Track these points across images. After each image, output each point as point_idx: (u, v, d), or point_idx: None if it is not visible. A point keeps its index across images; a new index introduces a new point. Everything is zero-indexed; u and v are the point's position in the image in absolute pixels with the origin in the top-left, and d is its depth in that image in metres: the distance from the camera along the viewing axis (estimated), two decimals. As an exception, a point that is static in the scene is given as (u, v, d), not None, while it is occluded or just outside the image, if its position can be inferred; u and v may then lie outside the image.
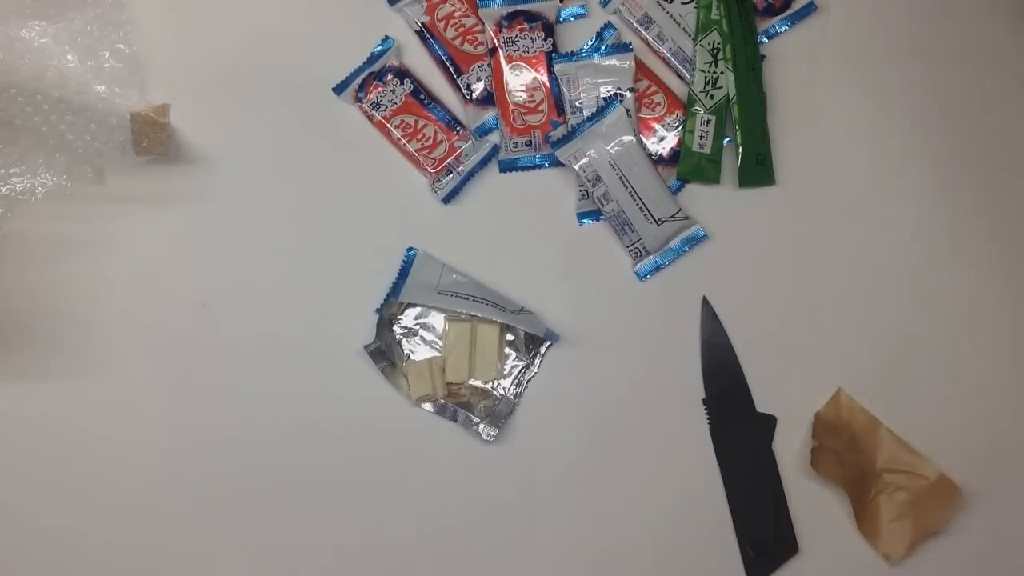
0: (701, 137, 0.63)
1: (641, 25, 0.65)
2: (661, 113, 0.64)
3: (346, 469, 0.58)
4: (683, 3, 0.65)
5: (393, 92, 0.63)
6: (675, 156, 0.63)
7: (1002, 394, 0.60)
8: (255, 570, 0.57)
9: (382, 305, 0.60)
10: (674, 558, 0.58)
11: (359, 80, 0.63)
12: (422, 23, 0.65)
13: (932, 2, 0.66)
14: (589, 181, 0.61)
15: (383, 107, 0.63)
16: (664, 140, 0.63)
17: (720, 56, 0.63)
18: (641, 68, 0.64)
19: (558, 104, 0.63)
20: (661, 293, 0.61)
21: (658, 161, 0.63)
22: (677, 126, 0.63)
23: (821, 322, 0.61)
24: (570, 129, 0.62)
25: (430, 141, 0.63)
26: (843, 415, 0.59)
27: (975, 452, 0.59)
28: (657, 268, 0.62)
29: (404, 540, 0.57)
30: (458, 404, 0.59)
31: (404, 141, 0.63)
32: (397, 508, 0.58)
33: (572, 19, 0.66)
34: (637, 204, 0.61)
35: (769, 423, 0.59)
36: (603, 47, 0.64)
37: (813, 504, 0.59)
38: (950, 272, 0.62)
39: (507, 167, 0.63)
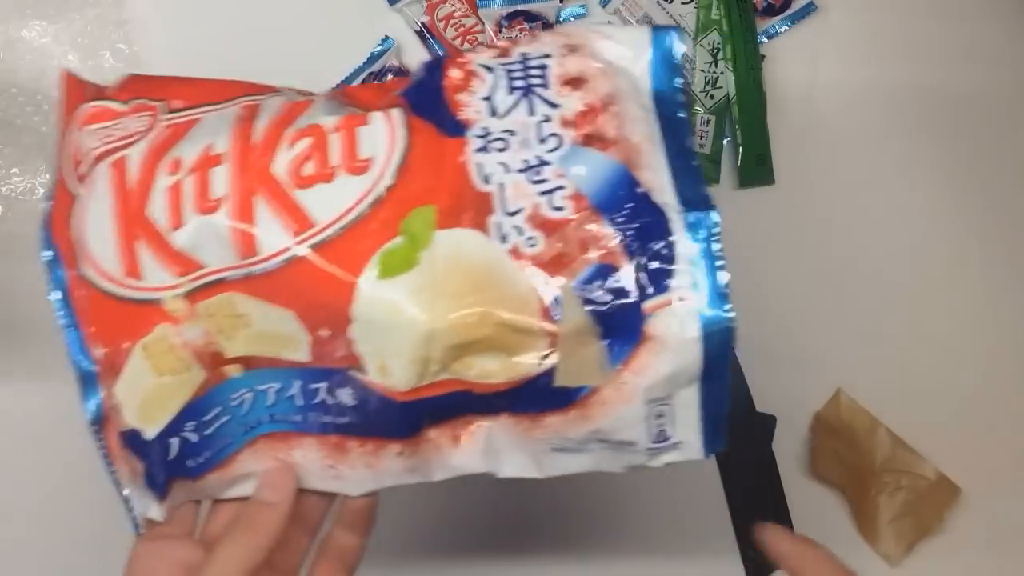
0: (701, 137, 0.63)
1: (641, 25, 0.65)
2: (661, 113, 0.64)
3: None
4: (683, 3, 0.65)
5: (393, 92, 0.63)
6: (675, 156, 0.63)
7: (1002, 394, 0.60)
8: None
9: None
10: (673, 558, 0.58)
11: (359, 80, 0.63)
12: (422, 23, 0.65)
13: (932, 2, 0.66)
14: (589, 181, 0.61)
15: (383, 107, 0.63)
16: (664, 140, 0.63)
17: (720, 56, 0.63)
18: (641, 68, 0.64)
19: (558, 104, 0.63)
20: (661, 293, 0.61)
21: (658, 161, 0.63)
22: (679, 124, 0.63)
23: (821, 322, 0.61)
24: (570, 129, 0.62)
25: (430, 141, 0.63)
26: (843, 415, 0.59)
27: (975, 452, 0.59)
28: (657, 268, 0.62)
29: (403, 540, 0.57)
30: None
31: (404, 141, 0.63)
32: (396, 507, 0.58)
33: (572, 19, 0.66)
34: (637, 204, 0.61)
35: (769, 423, 0.59)
36: (603, 47, 0.64)
37: (813, 504, 0.59)
38: (950, 272, 0.62)
39: (507, 167, 0.63)
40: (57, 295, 0.36)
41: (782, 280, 0.62)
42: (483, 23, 0.64)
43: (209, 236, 0.34)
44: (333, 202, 0.33)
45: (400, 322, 0.32)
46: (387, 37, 0.64)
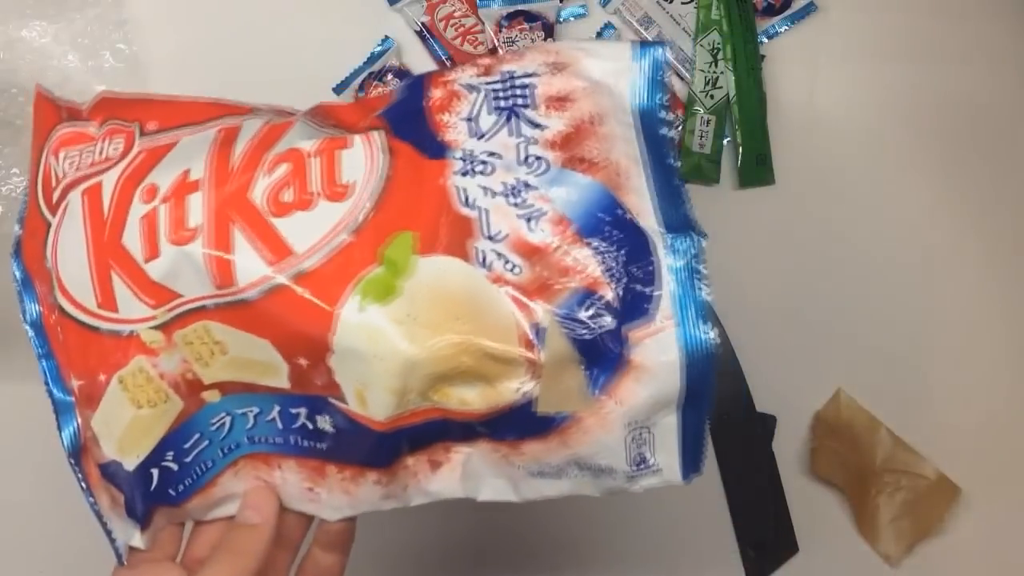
0: (701, 137, 0.63)
1: (641, 25, 0.65)
2: (661, 113, 0.64)
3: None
4: (683, 3, 0.65)
5: (393, 92, 0.63)
6: (675, 156, 0.63)
7: (1002, 394, 0.60)
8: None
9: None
10: (673, 558, 0.58)
11: (359, 80, 0.63)
12: (422, 23, 0.65)
13: (932, 2, 0.66)
14: (589, 181, 0.61)
15: (383, 107, 0.63)
16: (664, 140, 0.63)
17: (720, 56, 0.63)
18: (641, 68, 0.64)
19: (558, 104, 0.63)
20: (661, 293, 0.61)
21: (658, 161, 0.63)
22: (677, 126, 0.63)
23: (821, 322, 0.61)
24: (570, 129, 0.62)
25: (430, 141, 0.63)
26: (843, 415, 0.59)
27: (975, 452, 0.59)
28: (657, 268, 0.62)
29: (400, 544, 0.57)
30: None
31: (404, 141, 0.63)
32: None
33: (572, 19, 0.66)
34: (637, 204, 0.61)
35: (769, 423, 0.59)
36: (603, 47, 0.64)
37: (813, 504, 0.59)
38: (950, 272, 0.62)
39: (507, 167, 0.63)
40: (30, 324, 0.36)
41: (782, 280, 0.62)
42: (483, 23, 0.64)
43: (185, 266, 0.33)
44: (312, 230, 0.33)
45: (381, 352, 0.32)
46: (387, 37, 0.64)
